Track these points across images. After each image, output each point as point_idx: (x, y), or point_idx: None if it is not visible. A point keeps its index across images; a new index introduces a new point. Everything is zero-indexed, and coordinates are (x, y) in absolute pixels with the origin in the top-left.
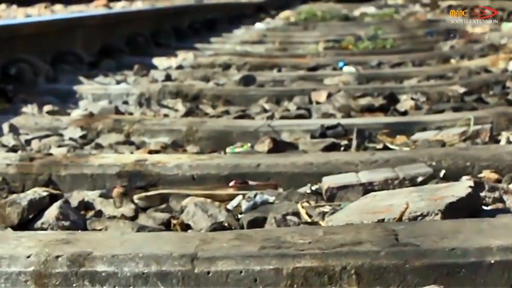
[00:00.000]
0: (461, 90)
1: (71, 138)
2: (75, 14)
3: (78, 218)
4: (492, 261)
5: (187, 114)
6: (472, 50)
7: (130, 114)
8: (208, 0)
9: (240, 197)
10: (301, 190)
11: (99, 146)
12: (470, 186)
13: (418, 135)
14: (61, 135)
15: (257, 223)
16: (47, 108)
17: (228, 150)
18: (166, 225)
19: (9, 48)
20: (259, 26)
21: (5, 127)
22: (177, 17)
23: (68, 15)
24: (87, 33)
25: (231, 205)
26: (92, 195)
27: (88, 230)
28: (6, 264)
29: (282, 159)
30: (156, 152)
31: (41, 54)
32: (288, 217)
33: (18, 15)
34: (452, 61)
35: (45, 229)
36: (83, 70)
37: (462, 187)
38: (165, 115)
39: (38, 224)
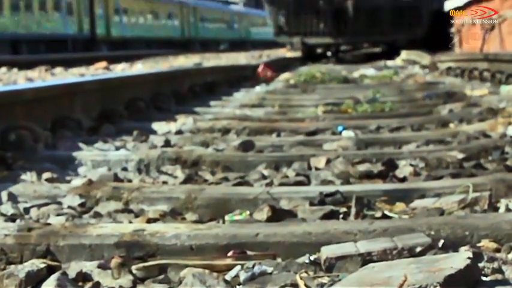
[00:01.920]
0: (460, 155)
1: (69, 207)
2: (74, 79)
3: None
4: None
5: (186, 181)
6: (471, 114)
7: (129, 181)
8: (207, 62)
9: (239, 267)
10: (300, 260)
11: (97, 215)
12: (469, 258)
13: (417, 203)
14: (60, 203)
15: None
16: (45, 175)
17: (226, 218)
18: None
19: (8, 114)
20: (258, 89)
21: (4, 195)
22: (176, 80)
23: (67, 81)
24: (87, 98)
25: (229, 275)
26: (90, 266)
27: None
28: None
29: (281, 229)
30: (155, 220)
31: (40, 120)
32: None
33: (19, 79)
34: (451, 125)
35: None
36: (82, 136)
37: (461, 258)
38: (164, 182)
39: None
